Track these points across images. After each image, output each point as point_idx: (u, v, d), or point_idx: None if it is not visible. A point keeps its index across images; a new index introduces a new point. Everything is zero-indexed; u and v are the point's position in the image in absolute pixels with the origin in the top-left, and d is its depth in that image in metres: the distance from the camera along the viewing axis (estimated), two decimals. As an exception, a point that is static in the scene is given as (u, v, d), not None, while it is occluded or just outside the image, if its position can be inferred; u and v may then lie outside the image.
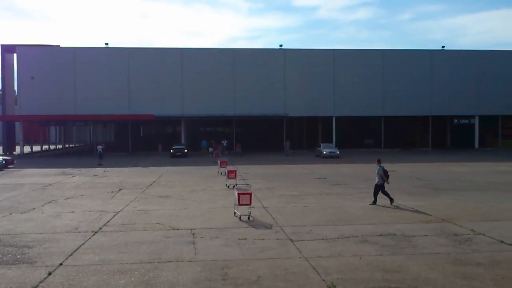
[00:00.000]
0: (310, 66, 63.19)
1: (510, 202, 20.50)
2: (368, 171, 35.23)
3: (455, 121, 67.32)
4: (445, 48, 67.35)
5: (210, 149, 57.51)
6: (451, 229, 14.93)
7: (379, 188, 19.94)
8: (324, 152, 51.35)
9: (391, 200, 19.80)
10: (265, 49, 67.57)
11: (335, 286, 9.47)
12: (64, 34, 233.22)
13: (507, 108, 65.57)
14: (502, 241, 13.31)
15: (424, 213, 17.69)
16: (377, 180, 20.09)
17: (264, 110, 61.90)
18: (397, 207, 19.25)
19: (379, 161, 20.59)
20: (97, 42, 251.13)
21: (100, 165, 41.66)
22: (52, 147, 71.36)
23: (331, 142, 59.88)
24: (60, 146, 73.80)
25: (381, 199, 19.96)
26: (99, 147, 45.84)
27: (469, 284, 9.82)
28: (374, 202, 19.90)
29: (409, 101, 64.07)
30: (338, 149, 52.75)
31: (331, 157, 50.26)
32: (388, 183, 20.07)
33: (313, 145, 66.00)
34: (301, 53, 64.74)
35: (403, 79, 64.42)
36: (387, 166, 37.97)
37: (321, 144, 54.90)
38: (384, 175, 19.90)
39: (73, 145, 79.36)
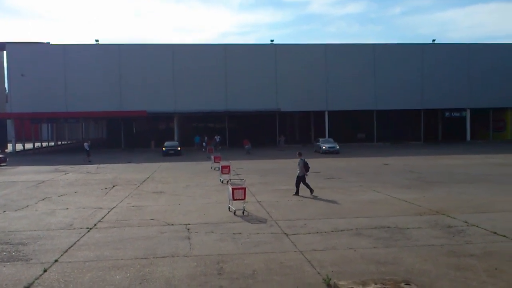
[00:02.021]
0: (302, 61, 63.17)
1: (502, 194, 20.64)
2: (362, 165, 35.39)
3: (447, 114, 67.60)
4: (435, 42, 67.54)
5: (204, 144, 57.53)
6: (444, 221, 15.03)
7: (300, 180, 21.06)
8: (324, 148, 49.26)
9: (311, 191, 20.78)
10: (256, 44, 67.50)
11: (330, 278, 9.51)
12: (54, 32, 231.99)
13: (498, 100, 65.90)
14: (495, 233, 13.41)
15: (418, 206, 17.79)
16: (298, 172, 21.20)
17: (257, 105, 61.80)
18: (315, 198, 20.09)
19: (300, 154, 22.05)
20: (88, 39, 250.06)
21: (87, 161, 41.45)
22: (44, 144, 71.01)
23: (324, 136, 59.81)
24: (53, 144, 73.44)
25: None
26: (85, 144, 45.60)
27: (463, 275, 9.89)
28: (297, 193, 20.96)
29: (400, 95, 64.21)
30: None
31: (331, 153, 48.10)
32: (307, 175, 21.32)
33: (306, 140, 66.14)
34: (292, 48, 64.71)
35: (395, 73, 64.57)
36: (381, 160, 38.50)
37: (320, 139, 53.12)
38: (305, 167, 21.03)
39: (65, 142, 79.01)
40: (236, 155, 46.58)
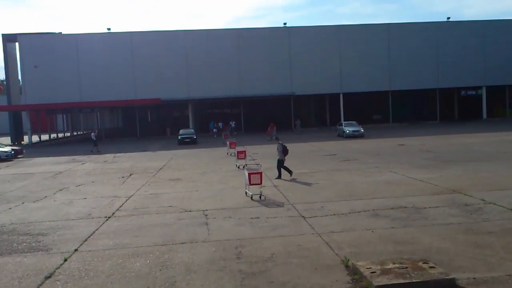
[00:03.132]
0: (316, 43, 62.73)
1: (520, 171, 20.46)
2: (378, 146, 35.25)
3: (462, 92, 66.94)
4: (450, 20, 66.65)
5: (214, 130, 57.71)
6: (461, 200, 14.95)
7: (282, 162, 21.58)
8: (347, 131, 45.78)
9: (280, 175, 21.27)
10: (269, 28, 67.07)
11: (348, 260, 9.53)
12: (64, 23, 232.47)
13: (514, 77, 64.91)
14: (513, 210, 13.34)
15: (435, 185, 17.69)
16: (278, 156, 21.62)
17: (271, 90, 61.59)
18: (293, 180, 20.60)
19: (277, 139, 22.76)
20: (98, 29, 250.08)
21: (92, 152, 41.26)
22: (60, 135, 71.52)
23: (339, 119, 59.47)
24: (68, 134, 73.96)
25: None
26: (93, 134, 45.64)
27: (481, 253, 9.86)
28: (279, 176, 21.28)
29: (415, 75, 63.57)
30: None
31: (355, 137, 44.77)
32: (284, 159, 21.63)
33: (322, 123, 65.99)
34: (306, 30, 64.25)
35: (409, 53, 63.89)
36: (397, 141, 38.26)
37: (343, 123, 49.67)
38: (283, 152, 21.47)
39: (81, 133, 79.52)
40: (252, 140, 46.50)
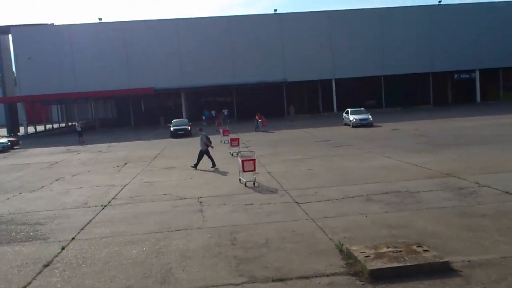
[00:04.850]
0: (307, 29, 62.50)
1: (513, 153, 20.56)
2: (371, 132, 35.34)
3: (456, 76, 66.93)
4: (442, 3, 66.47)
5: (203, 118, 57.80)
6: (455, 183, 15.04)
7: (203, 153, 21.85)
8: (353, 120, 40.60)
9: (213, 164, 21.72)
10: (259, 14, 66.91)
11: (342, 244, 9.61)
12: (56, 13, 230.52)
13: (508, 60, 64.78)
14: (507, 192, 13.40)
15: (429, 169, 17.79)
16: (200, 146, 22.01)
17: (263, 77, 61.38)
18: (216, 170, 21.04)
19: (200, 130, 22.88)
20: (90, 19, 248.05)
21: (81, 143, 40.69)
22: (55, 125, 71.37)
23: (332, 105, 59.46)
24: (63, 124, 73.82)
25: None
26: (77, 125, 45.51)
27: (475, 236, 9.93)
28: (195, 166, 21.79)
29: (408, 59, 63.44)
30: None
31: (363, 126, 39.94)
32: (212, 147, 22.38)
33: (315, 109, 65.98)
34: (296, 16, 64.00)
35: (402, 37, 63.65)
36: (390, 125, 38.42)
37: (349, 110, 43.42)
38: (208, 142, 21.92)
39: (75, 123, 79.25)
40: (245, 128, 46.41)
